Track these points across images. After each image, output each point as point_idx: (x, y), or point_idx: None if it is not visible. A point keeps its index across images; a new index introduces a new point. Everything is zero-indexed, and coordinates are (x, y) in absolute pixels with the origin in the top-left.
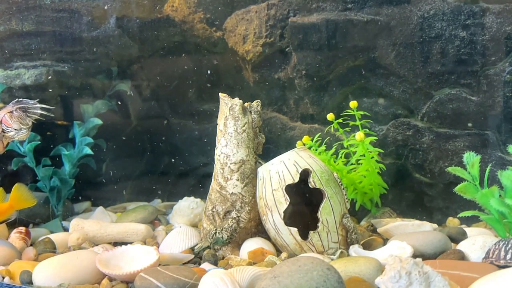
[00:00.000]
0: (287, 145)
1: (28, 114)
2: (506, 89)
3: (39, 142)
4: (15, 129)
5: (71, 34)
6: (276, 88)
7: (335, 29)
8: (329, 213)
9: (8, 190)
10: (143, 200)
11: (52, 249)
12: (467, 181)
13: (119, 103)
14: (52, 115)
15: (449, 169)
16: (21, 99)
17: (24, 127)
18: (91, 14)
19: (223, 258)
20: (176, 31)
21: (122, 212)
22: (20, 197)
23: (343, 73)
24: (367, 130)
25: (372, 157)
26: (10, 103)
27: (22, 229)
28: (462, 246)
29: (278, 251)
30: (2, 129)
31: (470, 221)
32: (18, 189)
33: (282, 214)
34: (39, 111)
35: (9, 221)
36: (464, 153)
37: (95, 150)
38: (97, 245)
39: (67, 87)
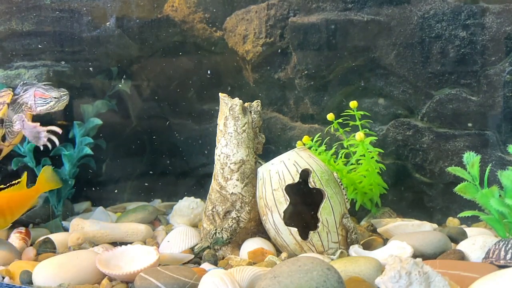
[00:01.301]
0: (287, 145)
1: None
2: (506, 89)
3: None
4: (55, 98)
5: (71, 34)
6: (276, 88)
7: (335, 29)
8: (329, 213)
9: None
10: (143, 200)
11: (52, 249)
12: (467, 181)
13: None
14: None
15: (449, 169)
16: (25, 82)
17: (64, 93)
18: (91, 14)
19: (223, 258)
20: (176, 31)
21: (122, 212)
22: (47, 179)
23: (343, 73)
24: (367, 130)
25: (372, 157)
26: (19, 86)
27: (22, 229)
28: (462, 246)
29: (278, 251)
30: (36, 102)
31: (470, 221)
32: (45, 171)
33: (282, 214)
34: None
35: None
36: (464, 153)
37: (95, 150)
38: (97, 245)
39: (67, 87)
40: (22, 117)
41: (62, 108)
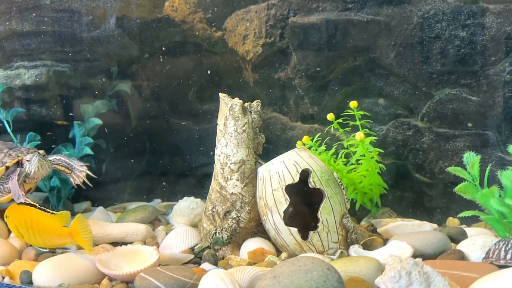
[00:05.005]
0: (287, 145)
1: (73, 175)
2: (506, 89)
3: (39, 142)
4: (27, 160)
5: (71, 34)
6: (276, 88)
7: (335, 29)
8: (329, 213)
9: None
10: (143, 200)
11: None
12: (467, 181)
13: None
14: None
15: (449, 169)
16: (73, 158)
17: (32, 155)
18: (91, 14)
19: (223, 258)
20: (176, 31)
21: (122, 212)
22: (79, 229)
23: (343, 73)
24: (367, 130)
25: (372, 157)
26: (59, 154)
27: None
28: (462, 246)
29: (278, 251)
30: (21, 169)
31: (470, 221)
32: (79, 221)
33: (282, 214)
34: (84, 174)
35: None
36: (464, 153)
37: (95, 150)
38: (97, 245)
39: (67, 87)
40: (15, 173)
41: (36, 169)
